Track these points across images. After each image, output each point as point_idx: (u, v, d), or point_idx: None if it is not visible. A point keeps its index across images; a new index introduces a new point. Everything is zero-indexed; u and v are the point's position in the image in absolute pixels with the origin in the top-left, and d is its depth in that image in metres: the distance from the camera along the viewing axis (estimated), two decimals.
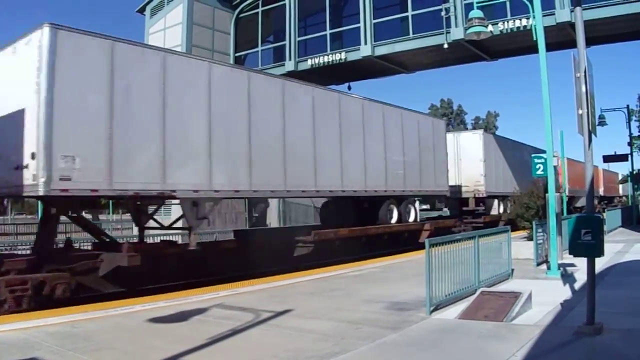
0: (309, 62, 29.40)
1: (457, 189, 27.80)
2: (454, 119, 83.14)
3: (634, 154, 37.93)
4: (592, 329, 6.92)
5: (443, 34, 25.35)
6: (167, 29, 30.82)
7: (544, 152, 13.40)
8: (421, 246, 9.60)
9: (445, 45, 25.30)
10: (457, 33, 24.87)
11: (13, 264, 11.15)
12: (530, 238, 16.15)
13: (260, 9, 31.79)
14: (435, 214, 32.40)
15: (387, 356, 6.39)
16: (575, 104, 7.65)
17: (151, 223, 15.28)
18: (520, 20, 23.13)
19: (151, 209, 15.48)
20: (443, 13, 25.14)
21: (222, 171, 14.11)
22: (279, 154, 15.83)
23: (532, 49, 14.19)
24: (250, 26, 32.05)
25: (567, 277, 11.79)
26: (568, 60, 7.86)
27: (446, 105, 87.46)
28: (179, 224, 15.09)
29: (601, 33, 23.95)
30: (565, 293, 10.07)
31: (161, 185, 12.60)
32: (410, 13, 26.70)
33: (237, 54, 32.19)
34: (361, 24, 27.87)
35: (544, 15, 13.43)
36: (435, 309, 8.59)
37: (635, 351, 6.28)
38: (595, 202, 30.94)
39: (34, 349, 6.64)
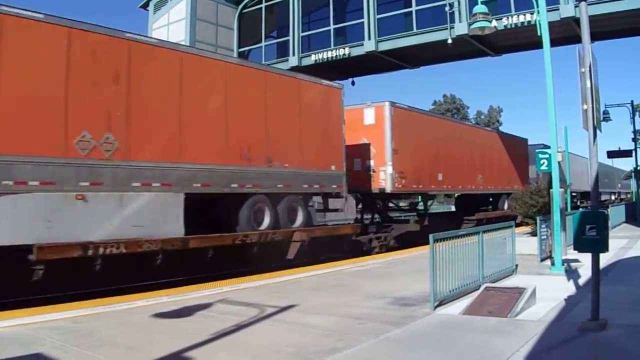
0: (313, 57, 29.37)
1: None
2: (457, 114, 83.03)
3: (639, 149, 37.81)
4: (596, 324, 6.90)
5: (447, 29, 25.28)
6: (171, 25, 30.81)
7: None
8: (425, 242, 9.59)
9: (449, 41, 25.21)
10: (461, 28, 24.80)
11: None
12: (534, 234, 16.13)
13: (263, 4, 31.73)
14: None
15: (390, 351, 6.38)
16: (580, 99, 7.62)
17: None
18: (525, 15, 23.04)
19: None
20: (447, 8, 25.08)
21: None
22: None
23: (537, 44, 14.13)
24: (254, 21, 32.01)
25: (571, 273, 11.77)
26: (573, 55, 7.84)
27: (450, 101, 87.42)
28: None
29: (605, 29, 23.88)
30: (569, 289, 10.05)
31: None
32: (414, 8, 26.62)
33: (240, 50, 32.16)
34: (365, 20, 27.81)
35: (548, 11, 13.38)
36: (439, 305, 8.58)
37: (639, 347, 6.26)
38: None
39: (38, 344, 6.64)
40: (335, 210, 18.41)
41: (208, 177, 13.78)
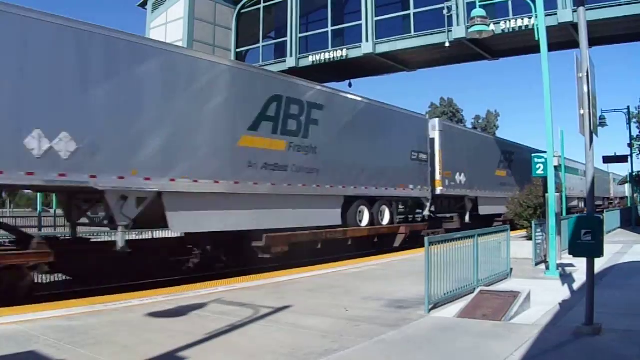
0: (310, 58, 29.33)
1: None
2: (453, 118, 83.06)
3: (634, 155, 37.95)
4: (590, 329, 6.92)
5: (445, 32, 25.28)
6: (169, 24, 30.74)
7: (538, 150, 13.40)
8: (420, 244, 9.60)
9: (447, 44, 25.22)
10: (459, 32, 24.81)
11: None
12: (529, 238, 16.17)
13: (262, 5, 31.68)
14: None
15: (385, 354, 6.39)
16: (577, 104, 7.64)
17: None
18: (523, 19, 23.05)
19: None
20: (445, 11, 25.07)
21: None
22: None
23: (534, 48, 14.15)
24: (252, 22, 31.96)
25: (566, 277, 11.79)
26: (570, 60, 7.86)
27: (446, 104, 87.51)
28: None
29: (603, 34, 23.92)
30: (564, 293, 10.07)
31: None
32: (412, 11, 26.62)
33: (238, 50, 32.12)
34: (363, 22, 27.79)
35: (546, 15, 13.40)
36: (434, 308, 8.60)
37: (633, 352, 6.28)
38: None
39: (32, 342, 6.63)
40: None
41: None
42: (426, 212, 23.62)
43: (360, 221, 18.93)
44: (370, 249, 19.34)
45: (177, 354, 6.26)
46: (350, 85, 32.22)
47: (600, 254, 7.28)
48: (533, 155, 14.66)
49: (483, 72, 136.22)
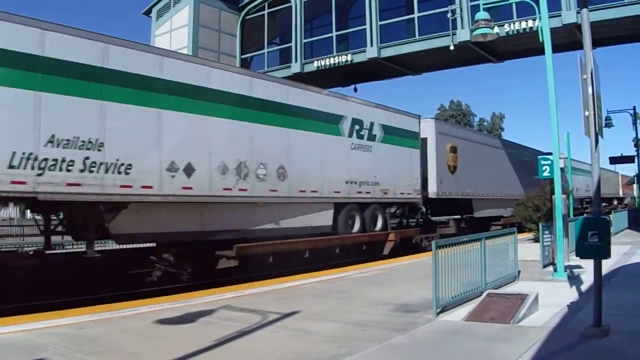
0: (315, 64, 29.38)
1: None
2: (462, 121, 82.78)
3: None
4: (599, 331, 6.89)
5: (449, 35, 25.29)
6: (173, 31, 30.87)
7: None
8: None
9: (452, 47, 25.21)
10: (463, 35, 24.82)
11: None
12: (536, 240, 16.12)
13: (266, 11, 31.81)
14: None
15: (393, 358, 6.38)
16: (582, 106, 7.63)
17: None
18: (527, 21, 23.03)
19: None
20: (449, 15, 25.09)
21: None
22: None
23: (539, 50, 14.17)
24: (257, 28, 32.07)
25: (574, 279, 11.75)
26: (575, 61, 7.85)
27: (455, 107, 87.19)
28: None
29: (608, 35, 23.88)
30: (571, 295, 10.04)
31: None
32: (416, 15, 26.65)
33: (243, 56, 32.23)
34: (367, 26, 27.84)
35: (550, 17, 13.37)
36: (442, 311, 8.58)
37: None
38: None
39: (40, 350, 6.66)
40: None
41: None
42: None
43: None
44: None
45: None
46: (355, 90, 32.24)
47: (607, 255, 7.25)
48: (539, 157, 14.59)
49: (488, 75, 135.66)
